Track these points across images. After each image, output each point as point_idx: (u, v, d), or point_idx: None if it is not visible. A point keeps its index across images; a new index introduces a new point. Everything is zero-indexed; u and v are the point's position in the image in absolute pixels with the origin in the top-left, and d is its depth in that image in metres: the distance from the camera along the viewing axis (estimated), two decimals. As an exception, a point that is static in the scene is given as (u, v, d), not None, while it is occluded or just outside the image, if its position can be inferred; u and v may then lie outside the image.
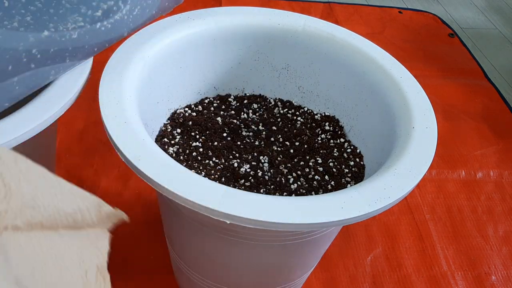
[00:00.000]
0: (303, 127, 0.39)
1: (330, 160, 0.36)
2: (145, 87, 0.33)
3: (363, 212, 0.25)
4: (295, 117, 0.40)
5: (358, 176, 0.35)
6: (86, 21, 0.29)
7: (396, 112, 0.33)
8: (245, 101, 0.41)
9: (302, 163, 0.36)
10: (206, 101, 0.40)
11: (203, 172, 0.33)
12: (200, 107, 0.39)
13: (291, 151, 0.37)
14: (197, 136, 0.36)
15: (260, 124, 0.39)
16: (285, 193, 0.33)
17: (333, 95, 0.40)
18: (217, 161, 0.34)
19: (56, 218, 0.21)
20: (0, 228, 0.19)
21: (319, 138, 0.38)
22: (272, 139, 0.38)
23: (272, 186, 0.33)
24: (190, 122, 0.37)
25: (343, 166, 0.36)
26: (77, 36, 0.29)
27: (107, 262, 0.23)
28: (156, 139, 0.35)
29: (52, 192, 0.21)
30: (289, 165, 0.35)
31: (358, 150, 0.37)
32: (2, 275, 0.17)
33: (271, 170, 0.34)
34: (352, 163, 0.36)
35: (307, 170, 0.35)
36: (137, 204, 0.49)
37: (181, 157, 0.34)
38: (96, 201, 0.22)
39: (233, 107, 0.40)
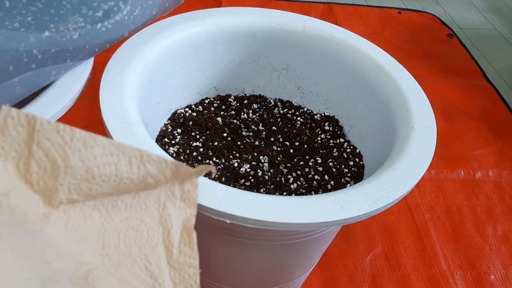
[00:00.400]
0: (303, 127, 0.39)
1: (330, 160, 0.36)
2: (145, 87, 0.33)
3: (362, 212, 0.25)
4: (295, 117, 0.40)
5: (357, 176, 0.35)
6: (87, 22, 0.29)
7: (395, 112, 0.33)
8: (245, 101, 0.41)
9: (302, 163, 0.36)
10: (207, 101, 0.40)
11: (203, 172, 0.33)
12: (200, 107, 0.39)
13: (291, 151, 0.37)
14: (198, 136, 0.36)
15: (260, 124, 0.39)
16: (285, 193, 0.33)
17: (332, 95, 0.40)
18: (217, 161, 0.34)
19: (121, 187, 0.19)
20: (54, 204, 0.17)
21: (319, 138, 0.38)
22: (272, 139, 0.38)
23: (272, 186, 0.33)
24: (191, 122, 0.37)
25: (343, 166, 0.36)
26: (78, 37, 0.29)
27: (194, 215, 0.20)
28: (156, 139, 0.36)
29: (110, 160, 0.18)
30: (289, 165, 0.35)
31: (357, 150, 0.37)
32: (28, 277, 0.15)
33: (271, 170, 0.35)
34: (351, 163, 0.36)
35: (307, 170, 0.35)
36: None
37: (182, 157, 0.34)
38: (171, 164, 0.20)
39: (233, 107, 0.41)
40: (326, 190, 0.34)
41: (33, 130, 0.18)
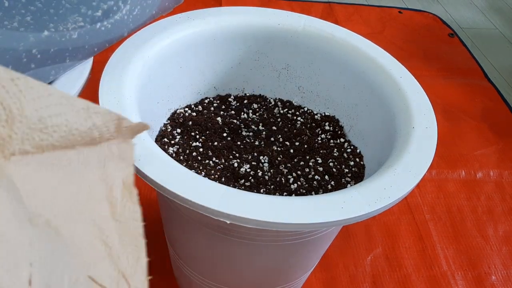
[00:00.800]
0: (303, 127, 0.39)
1: (330, 160, 0.36)
2: (145, 87, 0.33)
3: (363, 212, 0.25)
4: (295, 117, 0.40)
5: (358, 176, 0.35)
6: (86, 21, 0.29)
7: (396, 112, 0.33)
8: (245, 101, 0.41)
9: (302, 163, 0.36)
10: (206, 101, 0.40)
11: (203, 172, 0.33)
12: (200, 107, 0.39)
13: (291, 151, 0.37)
14: (197, 136, 0.36)
15: (260, 124, 0.39)
16: (285, 193, 0.33)
17: (333, 95, 0.40)
18: (217, 161, 0.34)
19: (69, 138, 0.19)
20: (6, 154, 0.17)
21: (319, 138, 0.38)
22: (272, 139, 0.38)
23: (272, 186, 0.33)
24: (190, 122, 0.37)
25: (343, 166, 0.36)
26: (77, 36, 0.29)
27: (133, 174, 0.21)
28: (156, 139, 0.35)
29: (61, 110, 0.19)
30: (289, 165, 0.35)
31: (358, 150, 0.37)
32: (10, 213, 0.16)
33: (271, 170, 0.34)
34: (352, 163, 0.36)
35: (307, 170, 0.35)
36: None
37: (181, 157, 0.34)
38: (115, 116, 0.20)
39: (233, 107, 0.40)
40: (326, 190, 0.34)
41: None
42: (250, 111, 0.40)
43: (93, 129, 0.20)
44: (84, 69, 0.31)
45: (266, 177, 0.34)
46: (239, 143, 0.37)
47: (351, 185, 0.34)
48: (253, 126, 0.38)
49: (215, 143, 0.36)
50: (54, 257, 0.17)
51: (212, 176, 0.33)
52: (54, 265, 0.16)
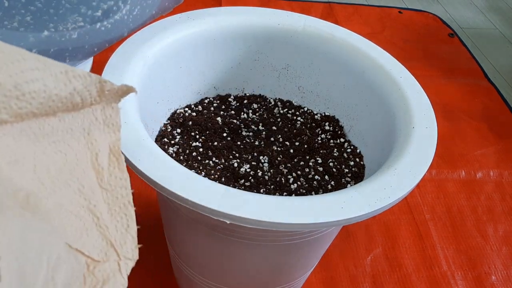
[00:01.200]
0: (303, 127, 0.39)
1: (330, 160, 0.36)
2: (145, 87, 0.33)
3: (363, 212, 0.25)
4: (295, 117, 0.40)
5: (358, 176, 0.35)
6: (86, 21, 0.29)
7: (396, 112, 0.33)
8: (245, 101, 0.41)
9: (302, 163, 0.36)
10: (206, 101, 0.40)
11: (203, 172, 0.33)
12: (200, 107, 0.39)
13: (291, 151, 0.37)
14: (197, 136, 0.36)
15: (260, 124, 0.39)
16: (285, 193, 0.33)
17: (333, 95, 0.40)
18: (217, 161, 0.34)
19: (50, 105, 0.18)
20: None
21: (319, 138, 0.38)
22: (272, 139, 0.38)
23: (272, 186, 0.33)
24: (190, 122, 0.37)
25: (343, 166, 0.36)
26: (77, 36, 0.29)
27: (120, 139, 0.21)
28: (156, 139, 0.35)
29: (38, 76, 0.18)
30: (289, 165, 0.35)
31: (358, 150, 0.37)
32: None
33: (271, 170, 0.34)
34: (352, 163, 0.36)
35: (307, 170, 0.35)
36: (137, 204, 0.49)
37: (181, 157, 0.34)
38: (95, 78, 0.19)
39: (233, 107, 0.40)
40: (326, 190, 0.34)
41: None
42: (250, 111, 0.40)
43: (74, 94, 0.19)
44: (84, 69, 0.31)
45: (266, 177, 0.34)
46: (239, 143, 0.37)
47: (351, 185, 0.34)
48: (253, 126, 0.38)
49: (215, 143, 0.36)
50: (28, 241, 0.16)
51: (212, 176, 0.33)
52: (28, 250, 0.16)
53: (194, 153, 0.34)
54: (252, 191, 0.32)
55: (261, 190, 0.33)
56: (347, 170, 0.35)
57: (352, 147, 0.38)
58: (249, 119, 0.39)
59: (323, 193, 0.33)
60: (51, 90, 0.18)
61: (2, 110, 0.17)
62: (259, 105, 0.41)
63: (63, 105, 0.19)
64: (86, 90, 0.19)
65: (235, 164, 0.34)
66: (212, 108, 0.40)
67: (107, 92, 0.20)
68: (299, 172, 0.35)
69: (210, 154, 0.35)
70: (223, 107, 0.40)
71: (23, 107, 0.17)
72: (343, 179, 0.35)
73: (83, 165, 0.19)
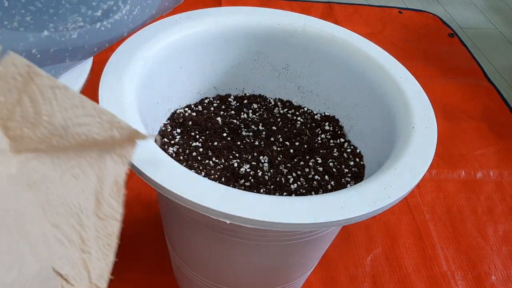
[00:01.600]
0: (303, 127, 0.39)
1: (330, 160, 0.36)
2: (145, 87, 0.33)
3: (363, 212, 0.25)
4: (295, 117, 0.40)
5: (358, 176, 0.35)
6: (86, 21, 0.29)
7: (396, 112, 0.33)
8: (245, 101, 0.41)
9: (302, 163, 0.36)
10: (206, 101, 0.40)
11: (203, 172, 0.33)
12: (200, 107, 0.39)
13: (291, 151, 0.37)
14: (197, 136, 0.36)
15: (260, 124, 0.39)
16: (285, 193, 0.33)
17: (333, 95, 0.39)
18: (217, 161, 0.34)
19: (84, 145, 0.20)
20: (20, 149, 0.18)
21: (319, 138, 0.38)
22: (272, 139, 0.38)
23: (272, 186, 0.33)
24: (190, 122, 0.37)
25: (343, 166, 0.36)
26: (77, 36, 0.29)
27: (125, 173, 0.22)
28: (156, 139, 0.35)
29: (87, 121, 0.19)
30: (289, 165, 0.35)
31: (358, 150, 0.37)
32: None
33: (271, 170, 0.34)
34: (352, 163, 0.36)
35: (307, 170, 0.35)
36: (137, 204, 0.49)
37: (181, 157, 0.34)
38: (134, 132, 0.21)
39: (233, 107, 0.40)
40: (326, 190, 0.34)
41: (29, 81, 0.18)
42: (250, 111, 0.40)
43: (109, 139, 0.20)
44: (84, 69, 0.31)
45: (266, 177, 0.34)
46: (239, 143, 0.37)
47: (351, 185, 0.34)
48: (253, 126, 0.38)
49: (215, 143, 0.36)
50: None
51: (212, 176, 0.33)
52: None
53: (194, 153, 0.34)
54: (252, 191, 0.32)
55: (261, 190, 0.33)
56: (347, 170, 0.35)
57: (352, 147, 0.38)
58: (249, 119, 0.39)
59: (323, 193, 0.33)
60: (92, 134, 0.20)
61: (43, 143, 0.19)
62: (259, 105, 0.41)
63: (95, 145, 0.20)
64: (121, 139, 0.21)
65: (235, 164, 0.34)
66: (212, 108, 0.40)
67: (136, 140, 0.21)
68: (299, 172, 0.35)
69: (210, 154, 0.35)
70: (223, 107, 0.40)
71: (61, 143, 0.19)
72: (343, 179, 0.35)
73: (88, 191, 0.21)
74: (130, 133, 0.21)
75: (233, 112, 0.40)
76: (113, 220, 0.21)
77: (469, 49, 0.83)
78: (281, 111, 0.41)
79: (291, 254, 0.32)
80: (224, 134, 0.37)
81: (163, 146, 0.35)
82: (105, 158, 0.21)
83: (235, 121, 0.38)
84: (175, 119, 0.37)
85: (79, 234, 0.20)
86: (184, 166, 0.31)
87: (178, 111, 0.38)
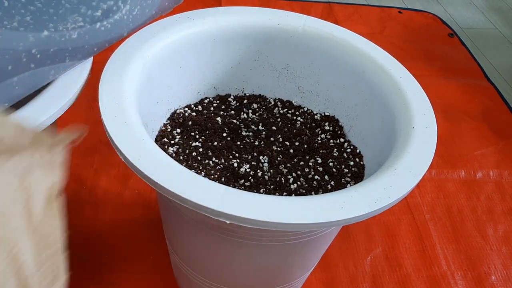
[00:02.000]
0: (303, 127, 0.39)
1: (330, 160, 0.36)
2: (145, 87, 0.33)
3: (363, 212, 0.25)
4: (295, 117, 0.40)
5: (358, 176, 0.35)
6: (86, 21, 0.29)
7: (396, 112, 0.33)
8: (245, 101, 0.41)
9: (302, 163, 0.36)
10: (206, 101, 0.40)
11: (203, 172, 0.33)
12: (200, 107, 0.39)
13: (291, 151, 0.37)
14: (197, 136, 0.36)
15: (260, 124, 0.39)
16: (285, 193, 0.33)
17: (333, 95, 0.39)
18: (217, 161, 0.34)
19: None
20: None
21: (319, 138, 0.38)
22: (272, 139, 0.38)
23: (272, 186, 0.33)
24: (190, 122, 0.37)
25: (343, 166, 0.36)
26: (77, 36, 0.29)
27: (59, 184, 0.20)
28: (156, 139, 0.35)
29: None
30: (289, 165, 0.35)
31: (358, 150, 0.37)
32: None
33: (271, 170, 0.34)
34: (352, 163, 0.36)
35: (307, 170, 0.35)
36: (137, 204, 0.49)
37: (181, 157, 0.34)
38: (28, 133, 0.19)
39: (233, 107, 0.40)
40: (326, 190, 0.34)
41: None
42: (250, 111, 0.40)
43: (20, 140, 0.19)
44: (84, 69, 0.31)
45: (266, 177, 0.34)
46: (239, 143, 0.37)
47: (351, 185, 0.34)
48: (253, 126, 0.38)
49: (215, 143, 0.36)
50: None
51: (212, 176, 0.33)
52: None
53: (194, 153, 0.34)
54: (252, 191, 0.32)
55: (261, 190, 0.33)
56: (347, 170, 0.35)
57: (352, 147, 0.38)
58: (249, 119, 0.39)
59: (323, 193, 0.33)
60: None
61: None
62: (259, 105, 0.41)
63: (8, 148, 0.18)
64: (20, 140, 0.19)
65: (235, 164, 0.34)
66: (212, 108, 0.40)
67: (46, 143, 0.19)
68: (299, 172, 0.35)
69: (210, 154, 0.35)
70: (223, 107, 0.40)
71: None
72: (343, 179, 0.35)
73: (15, 208, 0.18)
74: (33, 137, 0.19)
75: (233, 112, 0.40)
76: (50, 236, 0.19)
77: (469, 49, 0.83)
78: (281, 111, 0.41)
79: (291, 254, 0.32)
80: (224, 134, 0.37)
81: (163, 146, 0.35)
82: (30, 168, 0.19)
83: (235, 121, 0.38)
84: (175, 119, 0.37)
85: (10, 258, 0.18)
86: (184, 166, 0.31)
87: (178, 111, 0.38)
